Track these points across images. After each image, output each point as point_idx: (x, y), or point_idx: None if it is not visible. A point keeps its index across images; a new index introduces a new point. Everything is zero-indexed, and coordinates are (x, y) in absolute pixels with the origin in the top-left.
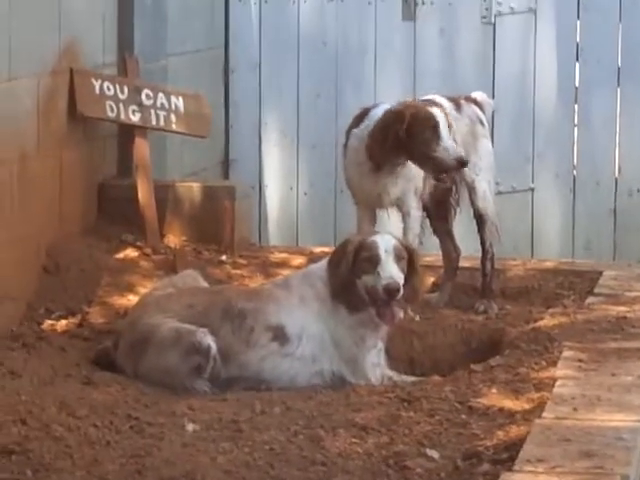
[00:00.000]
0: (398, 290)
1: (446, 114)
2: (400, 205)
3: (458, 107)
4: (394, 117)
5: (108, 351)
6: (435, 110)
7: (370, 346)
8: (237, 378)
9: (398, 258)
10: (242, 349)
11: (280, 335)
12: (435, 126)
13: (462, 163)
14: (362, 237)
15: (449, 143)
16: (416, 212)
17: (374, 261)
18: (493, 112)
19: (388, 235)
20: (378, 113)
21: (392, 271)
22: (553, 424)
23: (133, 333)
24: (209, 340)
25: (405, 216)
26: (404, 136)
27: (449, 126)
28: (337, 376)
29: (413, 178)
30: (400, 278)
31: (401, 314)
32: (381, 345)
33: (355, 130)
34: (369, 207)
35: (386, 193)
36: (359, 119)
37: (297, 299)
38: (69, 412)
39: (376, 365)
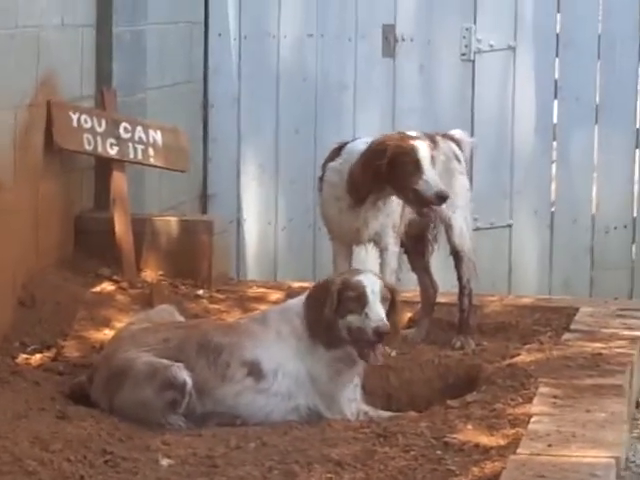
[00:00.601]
0: (387, 332)
1: (429, 147)
2: (377, 241)
3: (434, 144)
4: (376, 150)
5: (83, 385)
6: (418, 143)
7: (346, 381)
8: (212, 413)
9: (384, 299)
10: (217, 384)
11: (256, 371)
12: (417, 159)
13: (442, 198)
14: (345, 276)
15: (431, 176)
16: (394, 247)
17: (362, 302)
18: (472, 150)
19: (371, 274)
20: (356, 146)
21: (380, 313)
22: (528, 460)
23: (108, 367)
24: (184, 375)
25: (383, 251)
26: (385, 169)
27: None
28: (313, 411)
29: (392, 213)
30: (385, 319)
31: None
32: (357, 381)
33: (332, 164)
34: (345, 243)
35: (365, 228)
36: (335, 153)
37: (274, 335)
38: (43, 446)
39: (352, 400)
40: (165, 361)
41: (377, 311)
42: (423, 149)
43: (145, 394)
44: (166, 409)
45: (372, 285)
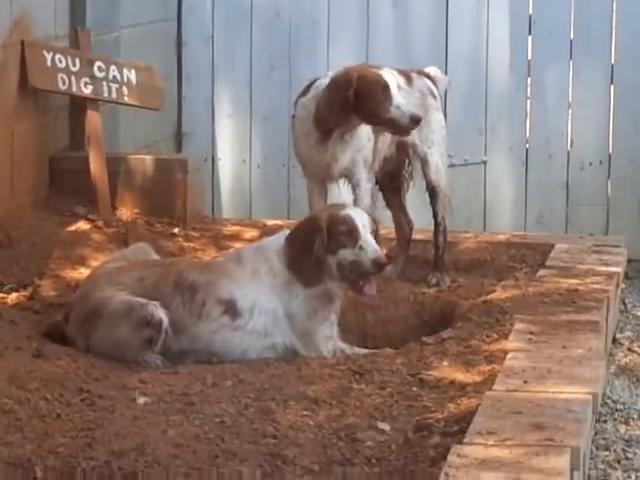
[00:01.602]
0: (386, 263)
1: (393, 74)
2: (350, 176)
3: (409, 80)
4: (341, 81)
5: (59, 324)
6: (383, 72)
7: (323, 319)
8: (189, 351)
9: (373, 231)
10: (193, 322)
11: (231, 309)
12: (385, 87)
13: (416, 120)
14: (332, 211)
15: (401, 102)
16: (366, 183)
17: (354, 235)
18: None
19: (356, 208)
20: (324, 82)
21: (375, 245)
22: (504, 396)
23: (84, 306)
24: (161, 313)
25: (355, 187)
26: (353, 100)
27: (398, 87)
28: (289, 349)
29: (362, 149)
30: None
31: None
32: (334, 318)
33: (301, 99)
34: (319, 179)
35: (334, 162)
36: (306, 89)
37: (249, 273)
38: (19, 385)
39: (328, 338)
40: (141, 299)
41: (371, 243)
42: (389, 76)
43: (121, 332)
44: (142, 347)
45: (361, 218)
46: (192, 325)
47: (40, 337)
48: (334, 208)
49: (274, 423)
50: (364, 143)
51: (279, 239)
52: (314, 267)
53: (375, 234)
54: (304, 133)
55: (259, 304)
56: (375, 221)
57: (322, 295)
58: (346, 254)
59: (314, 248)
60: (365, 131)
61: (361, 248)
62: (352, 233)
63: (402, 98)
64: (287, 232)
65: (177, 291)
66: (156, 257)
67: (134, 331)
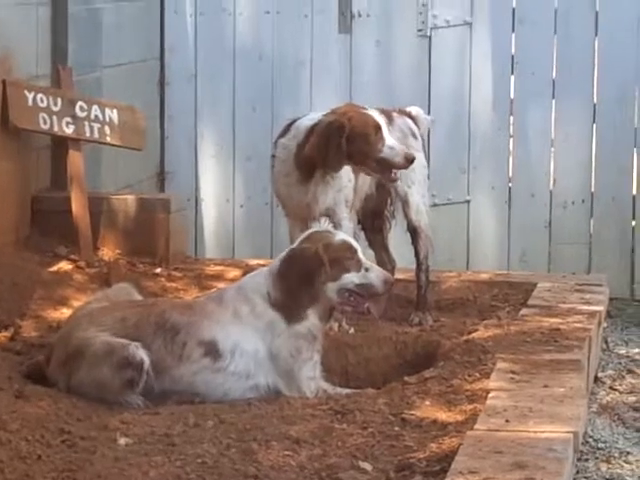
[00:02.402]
0: (394, 281)
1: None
2: (331, 215)
3: (390, 119)
4: (335, 127)
5: (40, 365)
6: (372, 112)
7: (306, 358)
8: (171, 392)
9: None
10: (174, 364)
11: (212, 350)
12: (377, 128)
13: (410, 160)
14: (325, 240)
15: (393, 142)
16: (347, 223)
17: (357, 259)
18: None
19: (338, 231)
20: (304, 123)
21: (376, 265)
22: (485, 436)
23: (66, 347)
24: (142, 354)
25: (337, 227)
26: (345, 144)
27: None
28: (272, 389)
29: (344, 188)
30: None
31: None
32: (317, 358)
33: (282, 140)
34: (300, 218)
35: (316, 203)
36: (286, 130)
37: (231, 314)
38: (0, 426)
39: (311, 378)
40: (123, 340)
41: (373, 264)
42: (378, 117)
43: (103, 373)
44: (124, 388)
45: (352, 241)
46: (173, 366)
47: (21, 378)
48: (321, 236)
49: (256, 463)
50: (345, 183)
51: (260, 278)
52: (309, 299)
53: None
54: (284, 174)
55: (240, 346)
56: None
57: (306, 334)
58: (352, 278)
59: (315, 279)
60: (345, 171)
61: (367, 270)
62: (355, 257)
63: (393, 138)
64: (267, 270)
65: (159, 332)
66: (139, 297)
67: (115, 372)
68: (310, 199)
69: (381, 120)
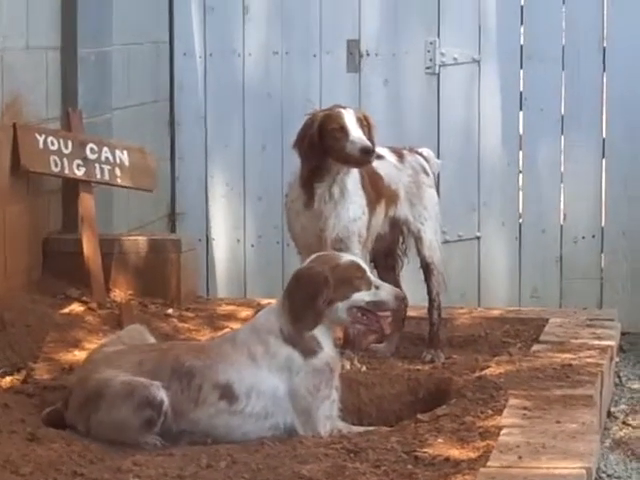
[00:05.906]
0: (405, 296)
1: (359, 115)
2: (343, 250)
3: (401, 158)
4: (307, 122)
5: (59, 412)
6: (344, 110)
7: (324, 397)
8: (188, 432)
9: None
10: (191, 407)
11: (228, 393)
12: (343, 123)
13: (367, 152)
14: (331, 261)
15: (356, 136)
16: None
17: (366, 277)
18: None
19: (345, 254)
20: None
21: (385, 283)
22: (498, 473)
23: (84, 389)
24: (162, 394)
25: None
26: (317, 138)
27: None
28: (289, 428)
29: (357, 219)
30: None
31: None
32: (335, 396)
33: (290, 180)
34: (311, 253)
35: (326, 226)
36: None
37: (246, 356)
38: (13, 470)
39: (328, 418)
40: (143, 380)
41: (384, 282)
42: (348, 113)
43: (122, 413)
44: (142, 428)
45: (360, 261)
46: (190, 410)
47: (34, 420)
48: (327, 258)
49: None
50: (359, 215)
51: (271, 315)
52: (316, 317)
53: None
54: (292, 199)
55: (257, 387)
56: None
57: (323, 368)
58: (362, 296)
59: (320, 297)
60: (360, 204)
61: (377, 288)
62: (364, 276)
63: (360, 133)
64: (277, 304)
65: (175, 376)
66: (151, 339)
67: (135, 412)
68: (322, 223)
69: (350, 115)
